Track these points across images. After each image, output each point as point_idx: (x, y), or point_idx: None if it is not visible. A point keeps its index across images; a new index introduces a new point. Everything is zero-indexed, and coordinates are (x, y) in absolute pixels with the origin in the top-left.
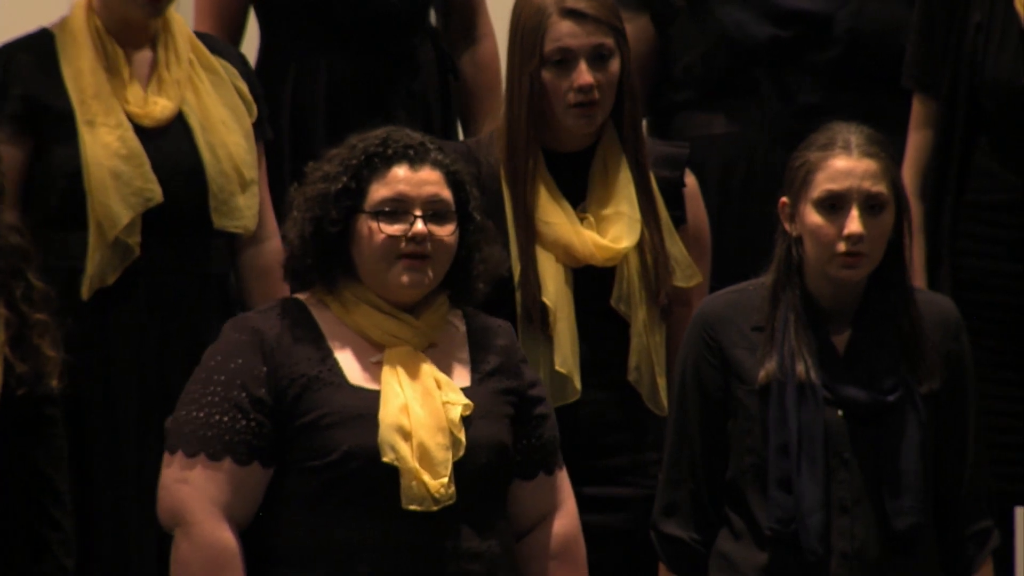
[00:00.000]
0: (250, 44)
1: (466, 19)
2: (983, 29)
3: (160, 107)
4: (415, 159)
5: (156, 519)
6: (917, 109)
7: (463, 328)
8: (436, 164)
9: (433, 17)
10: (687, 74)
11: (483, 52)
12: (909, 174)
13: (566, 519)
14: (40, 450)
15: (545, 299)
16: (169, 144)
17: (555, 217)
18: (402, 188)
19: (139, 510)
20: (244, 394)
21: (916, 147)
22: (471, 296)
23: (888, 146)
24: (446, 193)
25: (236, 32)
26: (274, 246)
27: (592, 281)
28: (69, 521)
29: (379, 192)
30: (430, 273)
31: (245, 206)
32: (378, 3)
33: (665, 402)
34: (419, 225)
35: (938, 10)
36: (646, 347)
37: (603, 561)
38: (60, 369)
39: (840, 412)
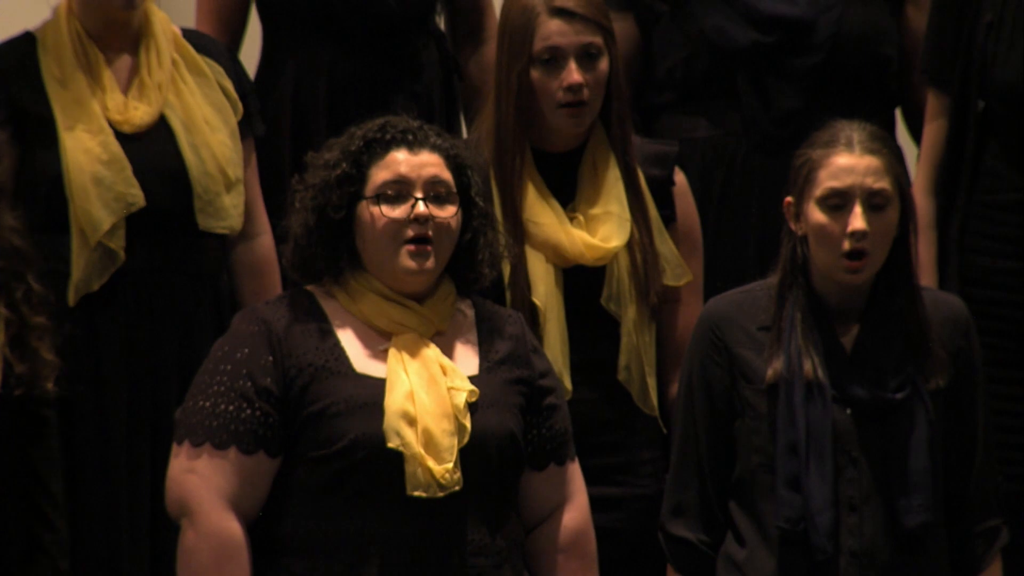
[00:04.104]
0: (252, 44)
1: (472, 21)
2: (994, 29)
3: (140, 113)
4: (414, 143)
5: (148, 521)
6: (931, 104)
7: (472, 317)
8: (435, 148)
9: (439, 19)
10: (669, 76)
11: (489, 53)
12: (922, 169)
13: (576, 512)
14: (35, 451)
15: (535, 299)
16: (151, 147)
17: (544, 217)
18: (402, 170)
19: (131, 512)
20: (250, 383)
21: (929, 143)
22: (477, 281)
23: (891, 143)
24: (447, 175)
25: (237, 32)
26: (266, 242)
27: (582, 281)
28: (64, 522)
29: (379, 176)
30: (432, 259)
31: (231, 206)
32: (378, 3)
33: (655, 401)
34: (420, 206)
35: (950, 8)
36: (636, 346)
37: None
38: (56, 373)
39: (848, 410)
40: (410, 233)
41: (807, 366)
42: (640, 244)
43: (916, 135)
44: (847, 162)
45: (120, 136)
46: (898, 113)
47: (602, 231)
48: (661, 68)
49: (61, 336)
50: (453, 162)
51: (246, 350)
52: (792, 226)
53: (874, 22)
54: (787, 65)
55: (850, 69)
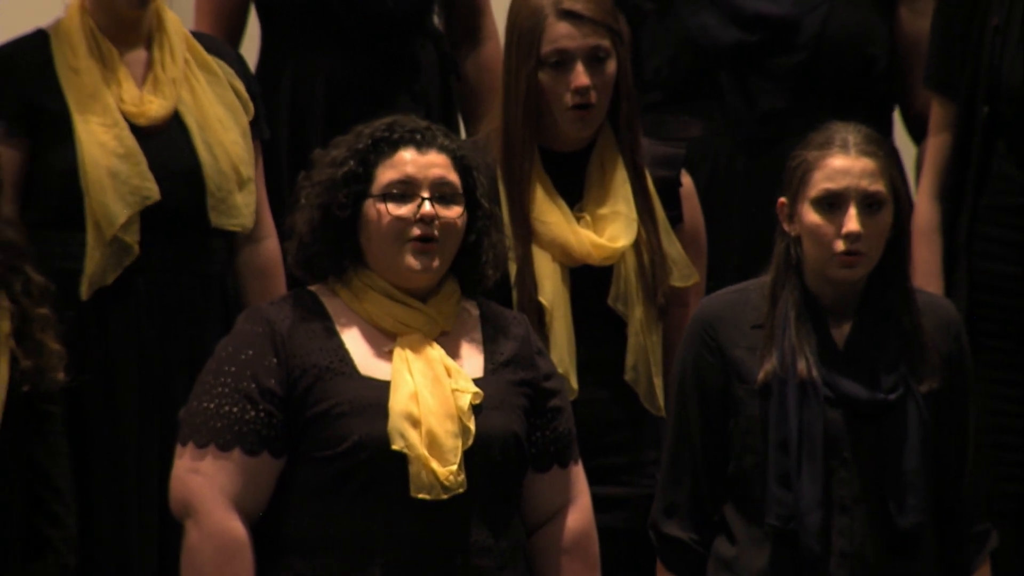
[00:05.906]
0: (251, 44)
1: (469, 21)
2: (1001, 32)
3: (155, 106)
4: (422, 143)
5: (157, 519)
6: (936, 111)
7: (477, 318)
8: (443, 148)
9: (437, 19)
10: (655, 75)
11: (486, 53)
12: (928, 174)
13: (579, 514)
14: (40, 447)
15: (541, 298)
16: (166, 143)
17: (552, 216)
18: (409, 170)
19: (139, 510)
20: (254, 384)
21: (935, 148)
22: (481, 282)
23: (886, 145)
24: (453, 176)
25: (236, 32)
26: (271, 245)
27: (589, 280)
28: (72, 518)
29: (386, 175)
30: (437, 258)
31: (243, 204)
32: (376, 3)
33: (662, 402)
34: (427, 206)
35: (957, 13)
36: (643, 347)
37: (602, 560)
38: (65, 362)
39: (840, 411)
40: (415, 232)
41: (800, 365)
42: (647, 244)
43: (915, 137)
44: (842, 164)
45: (134, 131)
46: (896, 115)
47: (609, 231)
48: (648, 67)
49: (66, 325)
50: (460, 163)
51: (250, 351)
52: (785, 227)
53: (861, 22)
54: (770, 64)
55: (835, 69)
